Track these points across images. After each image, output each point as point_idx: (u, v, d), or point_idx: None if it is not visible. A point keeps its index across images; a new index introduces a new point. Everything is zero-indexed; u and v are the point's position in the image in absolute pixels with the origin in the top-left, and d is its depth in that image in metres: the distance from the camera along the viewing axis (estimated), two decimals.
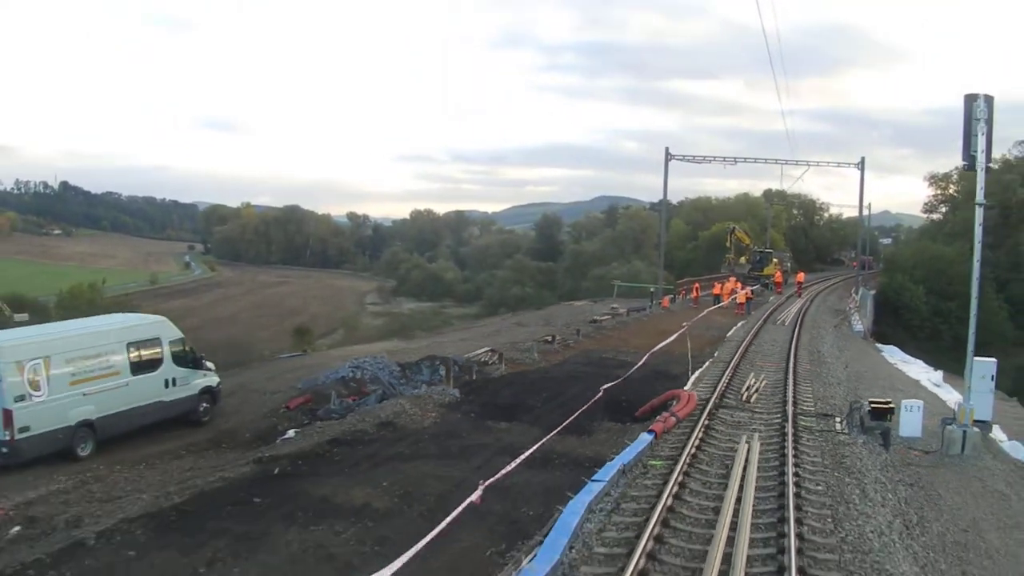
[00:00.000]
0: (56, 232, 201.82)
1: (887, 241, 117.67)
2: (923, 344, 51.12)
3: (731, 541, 7.65)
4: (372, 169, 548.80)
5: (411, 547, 6.18)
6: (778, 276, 45.79)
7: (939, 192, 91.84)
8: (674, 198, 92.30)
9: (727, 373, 16.87)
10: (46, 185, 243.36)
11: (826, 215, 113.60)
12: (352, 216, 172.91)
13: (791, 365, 18.32)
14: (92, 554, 8.29)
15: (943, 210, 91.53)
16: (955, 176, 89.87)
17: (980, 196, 13.16)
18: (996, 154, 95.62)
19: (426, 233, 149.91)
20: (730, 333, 24.69)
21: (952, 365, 29.67)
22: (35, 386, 12.72)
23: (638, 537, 7.65)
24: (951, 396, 17.90)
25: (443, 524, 6.62)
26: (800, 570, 7.09)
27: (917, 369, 24.03)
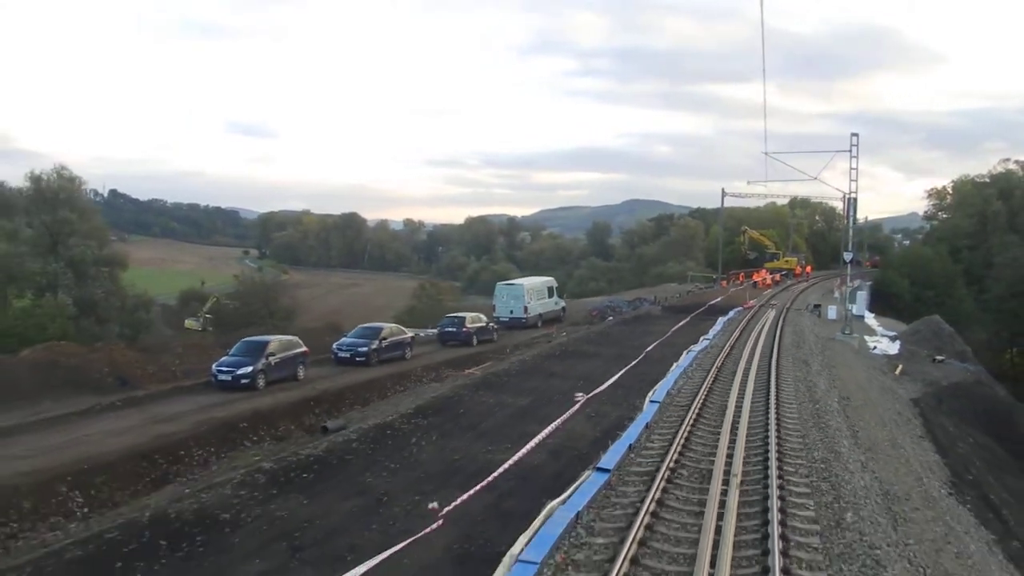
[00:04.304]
0: (112, 238, 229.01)
1: (908, 243, 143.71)
2: (907, 323, 77.98)
3: (766, 323, 35.47)
4: (403, 174, 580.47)
5: (671, 328, 34.14)
6: (797, 269, 73.66)
7: (937, 202, 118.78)
8: (710, 203, 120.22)
9: (764, 300, 44.77)
10: (96, 192, 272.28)
11: (845, 220, 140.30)
12: (409, 222, 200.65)
13: (792, 300, 46.19)
14: (612, 329, 36.19)
15: (942, 216, 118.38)
16: (949, 188, 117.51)
17: (847, 256, 40.78)
18: (983, 169, 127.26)
19: (480, 238, 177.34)
20: (764, 293, 52.68)
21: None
22: (531, 299, 40.69)
23: (741, 324, 35.56)
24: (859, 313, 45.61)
25: (676, 327, 34.55)
26: (782, 319, 35.01)
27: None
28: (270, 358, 26.04)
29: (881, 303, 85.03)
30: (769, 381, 19.52)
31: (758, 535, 9.27)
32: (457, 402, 20.43)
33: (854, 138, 33.42)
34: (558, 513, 9.65)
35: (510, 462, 14.27)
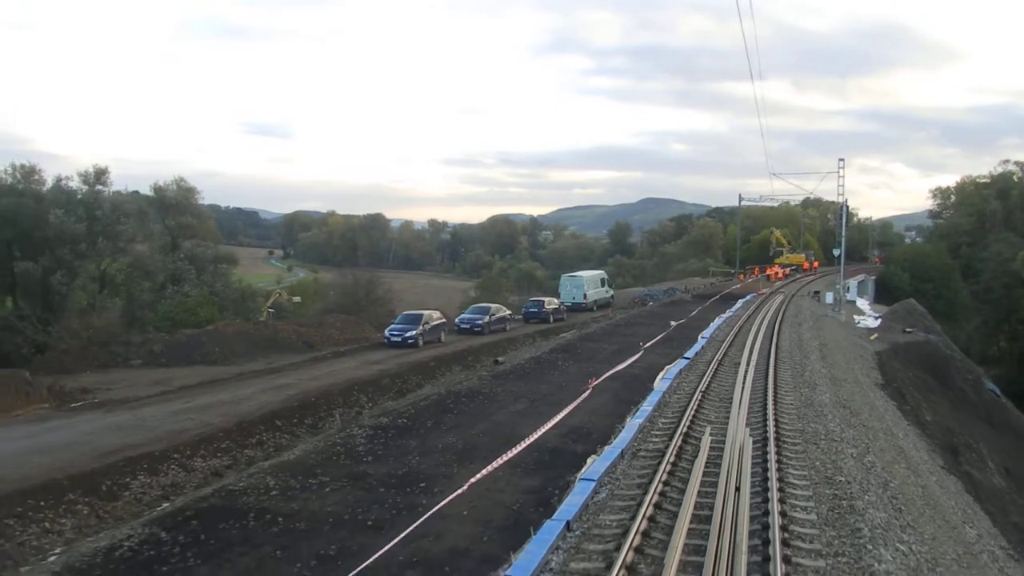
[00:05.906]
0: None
1: (920, 240, 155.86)
2: None
3: (773, 304, 47.70)
4: (418, 173, 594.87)
5: (701, 307, 46.47)
6: (805, 264, 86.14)
7: (942, 201, 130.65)
8: (725, 202, 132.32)
9: (774, 289, 57.04)
10: (119, 194, 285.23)
11: (855, 219, 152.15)
12: (433, 223, 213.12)
13: (798, 290, 58.43)
14: (656, 310, 48.61)
15: (946, 215, 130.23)
16: (953, 188, 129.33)
17: (840, 251, 52.93)
18: (984, 170, 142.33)
19: (504, 237, 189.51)
20: (776, 285, 64.96)
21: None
22: (588, 288, 53.16)
23: (754, 304, 47.87)
24: (854, 299, 57.79)
25: (704, 306, 46.87)
26: (787, 302, 47.32)
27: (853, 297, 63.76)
28: (425, 325, 38.33)
29: (885, 295, 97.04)
30: (773, 334, 31.80)
31: (763, 381, 21.60)
32: (573, 347, 32.84)
33: (841, 162, 45.78)
34: (671, 370, 22.03)
35: (620, 368, 26.69)
